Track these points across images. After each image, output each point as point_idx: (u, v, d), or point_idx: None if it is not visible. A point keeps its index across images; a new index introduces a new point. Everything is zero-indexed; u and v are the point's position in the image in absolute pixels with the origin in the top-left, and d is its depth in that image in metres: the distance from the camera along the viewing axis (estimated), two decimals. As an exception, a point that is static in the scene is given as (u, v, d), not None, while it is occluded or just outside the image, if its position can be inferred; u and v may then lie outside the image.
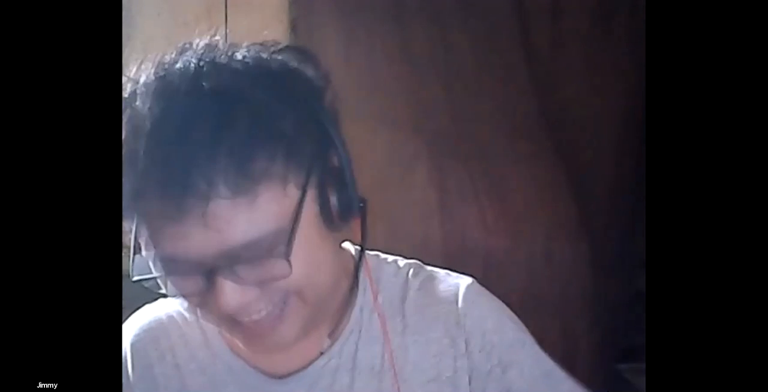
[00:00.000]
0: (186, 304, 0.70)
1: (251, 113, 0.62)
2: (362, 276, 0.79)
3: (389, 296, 0.80)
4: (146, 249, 0.65)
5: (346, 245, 0.82)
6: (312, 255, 0.67)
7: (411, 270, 0.82)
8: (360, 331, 0.78)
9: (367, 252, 0.81)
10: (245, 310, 0.66)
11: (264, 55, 0.67)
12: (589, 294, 1.79)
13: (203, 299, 0.67)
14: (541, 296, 1.74)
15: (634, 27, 1.96)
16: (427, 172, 1.75)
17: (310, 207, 0.66)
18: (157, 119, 0.62)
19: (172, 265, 0.64)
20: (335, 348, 0.78)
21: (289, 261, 0.63)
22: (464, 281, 0.82)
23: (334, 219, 0.68)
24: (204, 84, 0.63)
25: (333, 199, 0.68)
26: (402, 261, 0.84)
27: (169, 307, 0.84)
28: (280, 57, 0.68)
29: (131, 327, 0.84)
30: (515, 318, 0.83)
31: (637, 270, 2.04)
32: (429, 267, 0.85)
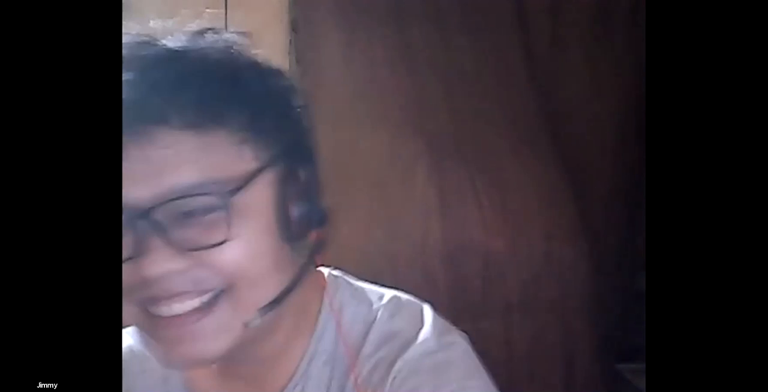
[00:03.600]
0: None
1: (229, 73, 0.62)
2: (321, 315, 0.72)
3: (346, 346, 0.70)
4: None
5: (322, 272, 0.74)
6: (254, 245, 0.61)
7: (379, 314, 0.72)
8: (305, 385, 0.70)
9: (339, 278, 0.75)
10: (167, 286, 0.59)
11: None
12: (589, 294, 1.79)
13: (130, 274, 0.59)
14: (541, 296, 1.73)
15: (634, 27, 1.96)
16: (427, 172, 1.75)
17: (264, 197, 0.62)
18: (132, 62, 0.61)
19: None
20: None
21: (228, 224, 0.58)
22: (419, 339, 0.70)
23: (290, 226, 0.63)
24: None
25: (294, 205, 0.64)
26: (373, 295, 0.74)
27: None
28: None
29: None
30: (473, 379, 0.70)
31: (637, 270, 2.04)
32: (404, 298, 0.75)
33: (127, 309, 0.62)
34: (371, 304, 0.74)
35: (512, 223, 1.74)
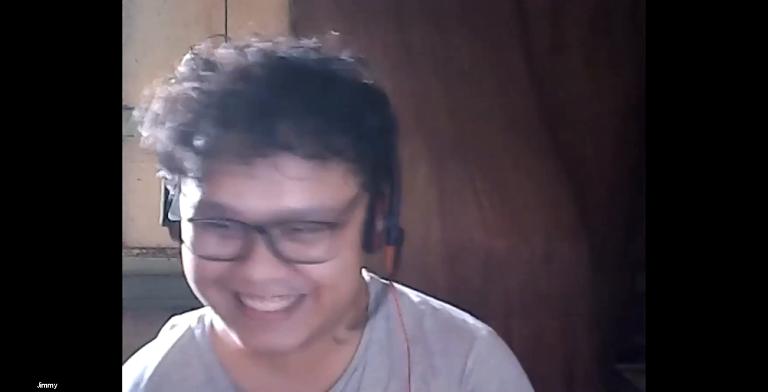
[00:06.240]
0: (201, 276, 0.67)
1: (339, 102, 0.65)
2: (370, 309, 0.79)
3: (400, 338, 0.78)
4: (195, 197, 0.64)
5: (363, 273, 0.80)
6: (345, 260, 0.67)
7: (427, 311, 0.81)
8: (364, 369, 0.77)
9: (380, 280, 0.81)
10: (266, 288, 0.65)
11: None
12: (589, 294, 1.79)
13: (228, 269, 0.66)
14: (541, 296, 1.73)
15: (634, 27, 1.96)
16: (427, 171, 1.75)
17: (358, 217, 0.68)
18: (251, 75, 0.64)
19: (218, 219, 0.64)
20: (339, 385, 0.77)
21: (332, 244, 0.65)
22: (480, 333, 0.81)
23: (373, 240, 0.69)
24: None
25: (378, 221, 0.70)
26: (417, 298, 0.83)
27: (165, 348, 0.81)
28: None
29: (132, 371, 0.80)
30: (522, 374, 0.82)
31: (636, 270, 2.04)
32: (446, 307, 0.83)
33: (220, 296, 0.68)
34: (413, 298, 0.82)
35: (512, 223, 1.74)
